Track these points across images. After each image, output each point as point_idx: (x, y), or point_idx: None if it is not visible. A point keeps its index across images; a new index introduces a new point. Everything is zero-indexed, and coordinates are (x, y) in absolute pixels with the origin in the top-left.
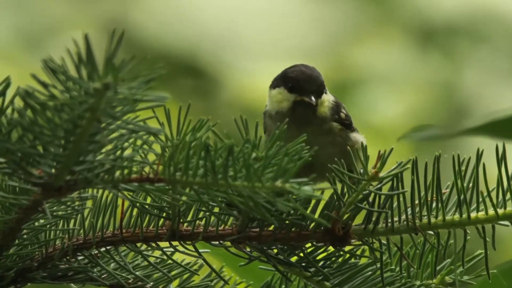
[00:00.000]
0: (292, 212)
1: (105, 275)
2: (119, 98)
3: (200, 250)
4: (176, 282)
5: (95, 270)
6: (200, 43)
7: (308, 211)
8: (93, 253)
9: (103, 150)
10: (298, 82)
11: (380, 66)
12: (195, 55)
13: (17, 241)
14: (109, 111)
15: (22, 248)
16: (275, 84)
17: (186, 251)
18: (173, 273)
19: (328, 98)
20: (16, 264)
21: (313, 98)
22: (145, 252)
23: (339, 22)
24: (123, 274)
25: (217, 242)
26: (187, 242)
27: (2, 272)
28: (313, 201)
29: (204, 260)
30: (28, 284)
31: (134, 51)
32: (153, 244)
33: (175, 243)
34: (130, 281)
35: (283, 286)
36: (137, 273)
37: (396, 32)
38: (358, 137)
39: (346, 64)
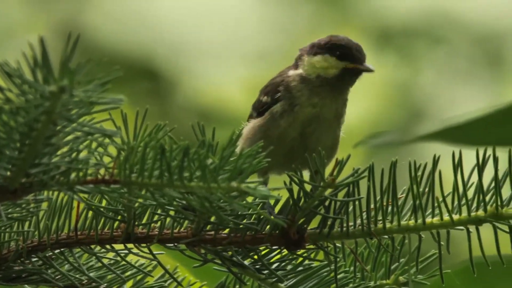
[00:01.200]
0: (248, 214)
1: (59, 277)
2: (75, 101)
3: (154, 252)
4: (130, 283)
5: (49, 271)
6: (155, 46)
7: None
8: (47, 255)
9: (59, 152)
10: (351, 50)
11: None
12: (151, 57)
13: None
14: (64, 114)
15: None
16: (314, 51)
17: (141, 253)
18: (126, 274)
19: None
20: None
21: (370, 66)
22: (99, 254)
23: (295, 23)
24: (77, 276)
25: (172, 245)
26: (142, 245)
27: None
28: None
29: (159, 262)
30: None
31: (89, 54)
32: (108, 246)
33: (130, 245)
34: (84, 282)
35: (237, 287)
36: (91, 274)
37: (353, 34)
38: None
39: None
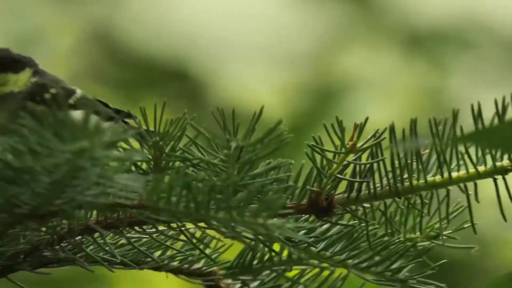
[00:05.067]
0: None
1: (90, 261)
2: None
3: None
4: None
5: (80, 255)
6: (187, 48)
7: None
8: (78, 239)
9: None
10: None
11: (367, 72)
12: (182, 60)
13: (1, 242)
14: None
15: (9, 242)
16: None
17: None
18: (158, 253)
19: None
20: (3, 258)
21: None
22: (128, 235)
23: (326, 27)
24: (106, 256)
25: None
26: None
27: None
28: (294, 175)
29: (184, 234)
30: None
31: (119, 56)
32: (138, 228)
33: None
34: (114, 263)
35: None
36: (120, 255)
37: (382, 38)
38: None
39: (333, 70)
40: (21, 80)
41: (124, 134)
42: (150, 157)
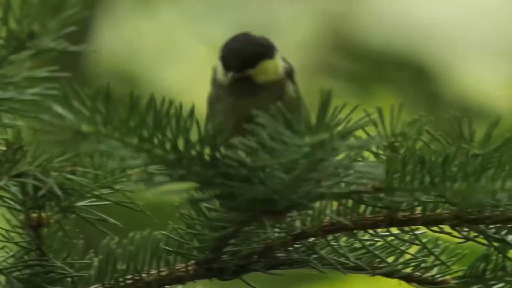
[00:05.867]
0: None
1: (322, 263)
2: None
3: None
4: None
5: (312, 257)
6: (421, 42)
7: None
8: (311, 241)
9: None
10: (224, 59)
11: None
12: (416, 53)
13: (236, 241)
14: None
15: (243, 241)
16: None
17: (403, 235)
18: (391, 259)
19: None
20: (237, 257)
21: (229, 75)
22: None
23: None
24: (339, 259)
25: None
26: (405, 228)
27: (223, 265)
28: None
29: (420, 241)
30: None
31: (353, 49)
32: (371, 231)
33: (392, 229)
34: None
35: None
36: (352, 257)
37: None
38: None
39: None
40: (277, 66)
41: (359, 124)
42: (385, 143)
